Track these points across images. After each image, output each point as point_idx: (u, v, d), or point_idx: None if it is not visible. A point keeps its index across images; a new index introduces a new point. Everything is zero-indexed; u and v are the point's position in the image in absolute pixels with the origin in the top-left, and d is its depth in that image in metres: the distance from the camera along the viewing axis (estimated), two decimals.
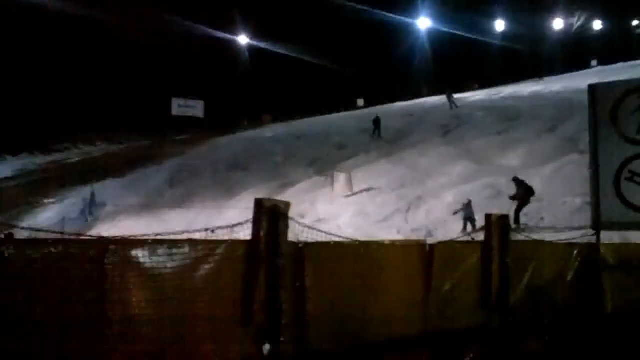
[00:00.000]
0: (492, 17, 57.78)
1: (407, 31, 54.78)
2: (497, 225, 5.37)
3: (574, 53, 55.51)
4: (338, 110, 45.14)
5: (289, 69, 50.89)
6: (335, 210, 19.50)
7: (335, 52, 49.92)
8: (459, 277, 5.19)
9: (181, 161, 31.85)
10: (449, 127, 29.11)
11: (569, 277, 5.85)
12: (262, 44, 51.59)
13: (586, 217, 14.71)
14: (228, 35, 51.81)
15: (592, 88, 6.99)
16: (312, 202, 20.92)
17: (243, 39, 52.16)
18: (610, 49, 53.46)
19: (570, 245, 6.67)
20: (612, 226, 6.70)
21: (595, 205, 6.68)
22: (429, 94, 47.80)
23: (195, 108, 51.55)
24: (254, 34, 52.01)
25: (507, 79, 48.72)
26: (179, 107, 50.60)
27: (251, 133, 40.66)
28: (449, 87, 36.37)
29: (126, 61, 48.44)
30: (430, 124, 30.80)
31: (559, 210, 15.26)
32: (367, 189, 20.54)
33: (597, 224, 6.65)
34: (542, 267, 5.82)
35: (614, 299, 5.83)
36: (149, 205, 23.50)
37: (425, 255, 4.93)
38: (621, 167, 6.47)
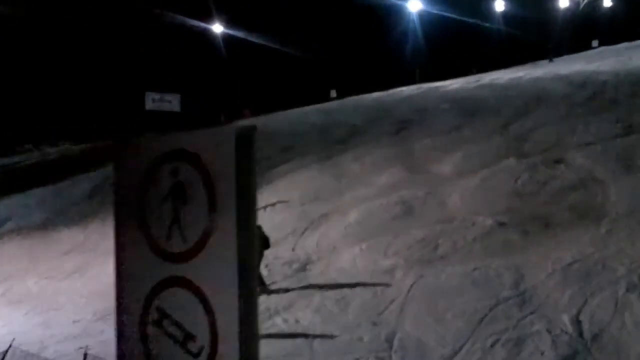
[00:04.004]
0: None
1: (397, 15, 51.31)
2: None
3: (580, 34, 51.50)
4: (313, 102, 42.33)
5: (267, 60, 48.13)
6: None
7: (314, 40, 46.93)
8: None
9: None
10: (407, 123, 26.02)
11: None
12: (240, 34, 48.65)
13: (488, 244, 11.91)
14: (206, 25, 49.07)
15: (117, 151, 3.61)
16: None
17: (218, 28, 49.14)
18: (618, 28, 49.30)
19: None
20: None
21: None
22: (418, 82, 44.73)
23: (171, 103, 48.98)
24: (231, 24, 49.09)
25: (505, 64, 45.25)
26: (154, 102, 48.09)
27: None
28: None
29: (96, 55, 46.26)
30: (391, 118, 27.74)
31: (463, 234, 12.27)
32: (274, 204, 17.72)
33: None
34: None
35: None
36: (48, 222, 21.13)
37: None
38: (147, 301, 3.37)
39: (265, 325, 9.64)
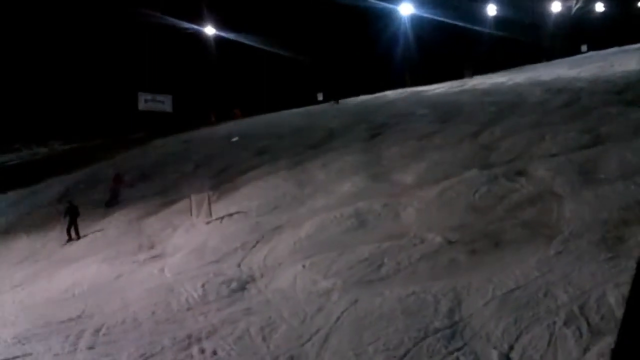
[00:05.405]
0: (483, 1, 53.16)
1: (388, 18, 50.52)
2: None
3: (572, 38, 50.79)
4: (301, 105, 41.91)
5: (258, 62, 47.60)
6: (183, 242, 16.16)
7: (305, 43, 46.34)
8: None
9: (95, 169, 28.81)
10: (383, 128, 25.43)
11: None
12: (232, 37, 48.05)
13: (433, 265, 11.24)
14: (197, 27, 48.47)
15: None
16: (175, 229, 17.66)
17: (210, 30, 48.56)
18: (609, 33, 48.53)
19: None
20: None
21: None
22: (408, 86, 44.13)
23: (164, 103, 48.28)
24: (223, 25, 48.46)
25: (495, 68, 44.64)
26: (146, 102, 47.34)
27: (200, 132, 37.60)
28: None
29: (90, 55, 45.58)
30: (368, 123, 27.14)
31: (410, 253, 11.61)
32: (231, 214, 17.09)
33: None
34: None
35: None
36: (11, 227, 20.57)
37: None
38: None
39: (179, 357, 9.00)
